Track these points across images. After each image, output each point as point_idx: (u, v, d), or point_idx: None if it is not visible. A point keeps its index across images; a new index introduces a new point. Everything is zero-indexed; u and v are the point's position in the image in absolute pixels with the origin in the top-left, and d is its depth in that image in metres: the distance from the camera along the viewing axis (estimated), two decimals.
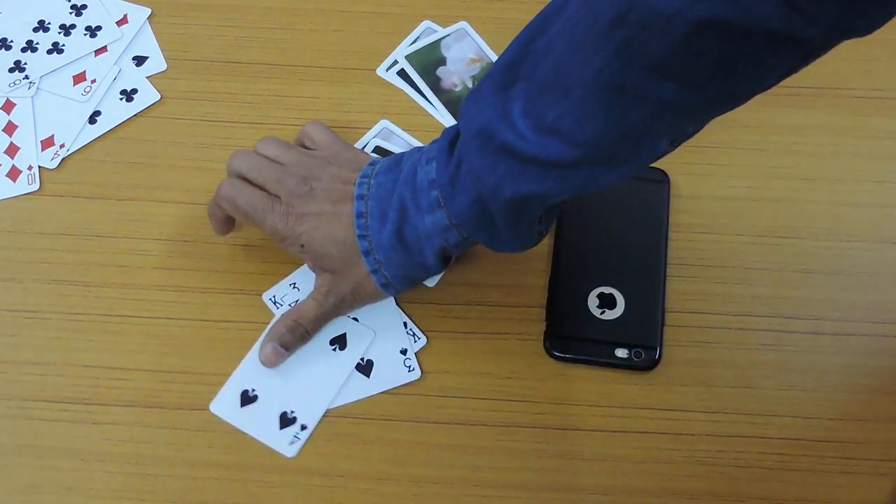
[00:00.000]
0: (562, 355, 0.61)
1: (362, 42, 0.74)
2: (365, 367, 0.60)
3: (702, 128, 0.50)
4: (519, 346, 0.61)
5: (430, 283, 0.63)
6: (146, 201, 0.67)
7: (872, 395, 0.60)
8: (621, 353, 0.60)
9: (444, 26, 0.74)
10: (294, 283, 0.63)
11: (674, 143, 0.50)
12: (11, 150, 0.69)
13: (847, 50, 0.73)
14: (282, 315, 0.61)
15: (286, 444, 0.58)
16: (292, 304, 0.62)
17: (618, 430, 0.59)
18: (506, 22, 0.75)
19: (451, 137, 0.55)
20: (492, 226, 0.54)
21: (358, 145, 0.69)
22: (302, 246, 0.58)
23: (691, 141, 0.69)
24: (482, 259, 0.64)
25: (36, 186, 0.67)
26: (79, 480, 0.58)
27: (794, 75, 0.46)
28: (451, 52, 0.73)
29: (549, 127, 0.48)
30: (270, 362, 0.60)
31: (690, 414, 0.60)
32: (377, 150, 0.68)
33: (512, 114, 0.49)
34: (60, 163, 0.68)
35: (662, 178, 0.67)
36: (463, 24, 0.74)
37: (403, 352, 0.61)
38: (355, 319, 0.61)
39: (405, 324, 0.61)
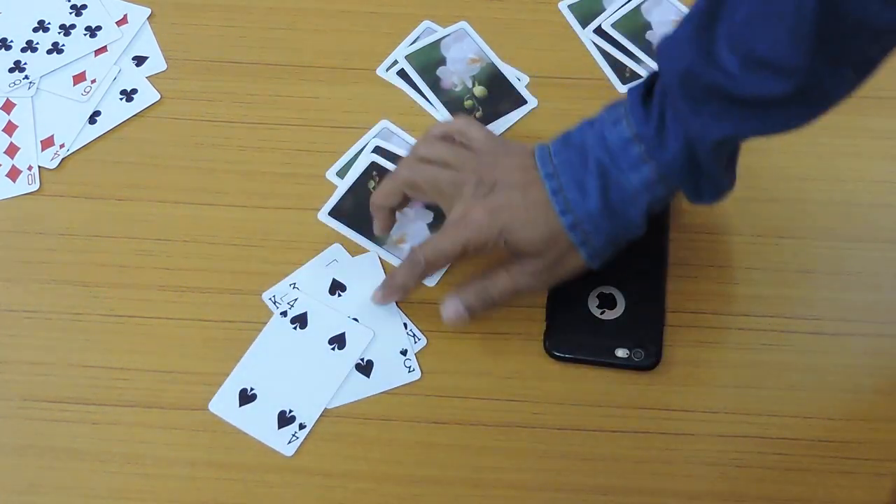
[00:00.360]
0: (562, 355, 0.61)
1: (362, 42, 0.74)
2: (365, 368, 0.60)
3: (881, 60, 0.49)
4: (519, 346, 0.61)
5: (430, 282, 0.63)
6: (146, 201, 0.67)
7: (872, 395, 0.60)
8: (621, 353, 0.60)
9: (444, 26, 0.74)
10: (294, 284, 0.63)
11: (858, 72, 0.50)
12: (11, 150, 0.69)
13: None
14: (469, 282, 0.59)
15: (284, 442, 0.58)
16: (292, 303, 0.62)
17: (618, 430, 0.59)
18: (506, 22, 0.75)
19: (643, 92, 0.54)
20: (698, 172, 0.54)
21: (358, 145, 0.69)
22: (506, 242, 0.57)
23: None
24: (482, 259, 0.64)
25: (36, 186, 0.67)
26: (79, 480, 0.58)
27: None
28: (451, 52, 0.73)
29: (759, 60, 0.48)
30: (452, 321, 0.59)
31: (690, 414, 0.60)
32: (377, 150, 0.68)
33: (718, 53, 0.49)
34: (60, 163, 0.68)
35: None
36: (463, 24, 0.74)
37: (403, 352, 0.60)
38: (355, 319, 0.61)
39: (405, 325, 0.61)
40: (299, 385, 0.60)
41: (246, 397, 0.59)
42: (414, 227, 0.65)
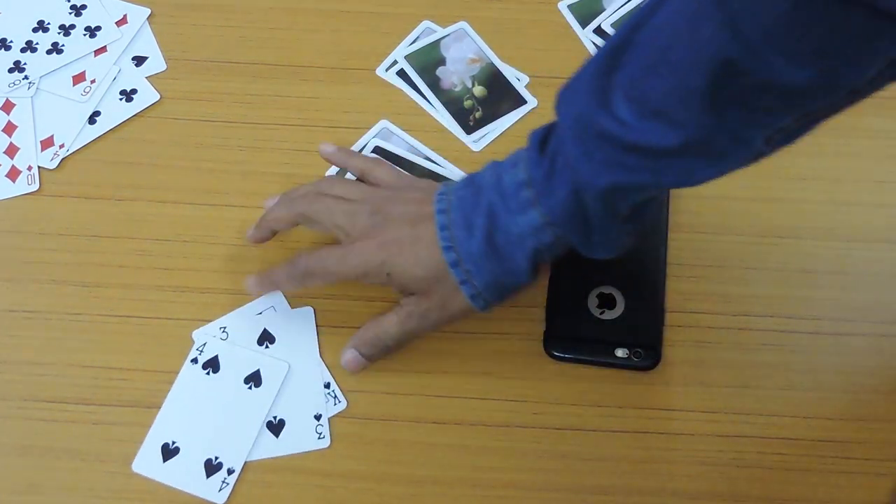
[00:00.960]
0: (562, 355, 0.61)
1: (362, 42, 0.74)
2: (276, 427, 0.59)
3: (795, 134, 0.49)
4: (519, 346, 0.61)
5: None
6: (146, 201, 0.67)
7: (872, 395, 0.60)
8: (621, 353, 0.60)
9: (444, 26, 0.74)
10: (224, 327, 0.62)
11: (769, 143, 0.49)
12: (11, 151, 0.69)
13: None
14: (363, 327, 0.60)
15: (215, 491, 0.57)
16: (201, 349, 0.60)
17: (618, 430, 0.59)
18: (505, 22, 0.75)
19: (541, 137, 0.54)
20: (585, 222, 0.53)
21: (358, 145, 0.69)
22: (388, 275, 0.57)
23: None
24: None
25: (36, 186, 0.67)
26: (79, 480, 0.58)
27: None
28: (451, 53, 0.73)
29: (653, 109, 0.47)
30: (353, 369, 0.60)
31: (690, 414, 0.60)
32: (377, 150, 0.68)
33: (613, 101, 0.49)
34: (60, 163, 0.68)
35: None
36: (462, 24, 0.74)
37: (317, 417, 0.59)
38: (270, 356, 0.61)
39: (328, 384, 0.60)
40: (221, 430, 0.58)
41: (168, 452, 0.58)
42: None
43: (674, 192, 0.66)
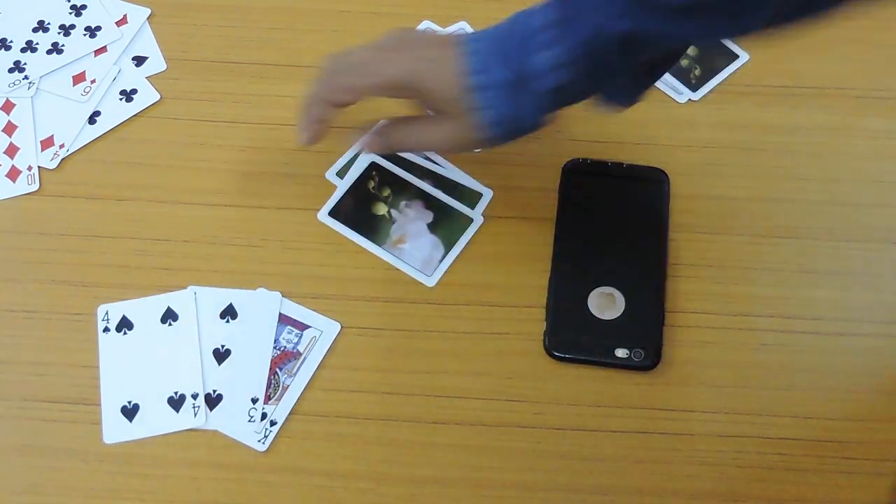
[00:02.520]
0: (562, 355, 0.61)
1: (362, 42, 0.74)
2: (213, 400, 0.60)
3: (788, 19, 0.49)
4: (519, 346, 0.61)
5: (430, 282, 0.63)
6: (146, 201, 0.67)
7: (872, 395, 0.60)
8: (621, 353, 0.60)
9: (444, 26, 0.74)
10: (196, 292, 0.63)
11: (770, 22, 0.49)
12: (11, 151, 0.69)
13: (847, 50, 0.73)
14: (393, 124, 0.62)
15: (191, 418, 0.59)
16: (105, 318, 0.62)
17: (618, 430, 0.59)
18: None
19: None
20: (602, 65, 0.53)
21: (358, 145, 0.68)
22: (417, 88, 0.57)
23: (692, 140, 0.69)
24: (482, 259, 0.64)
25: (36, 187, 0.67)
26: (79, 480, 0.58)
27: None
28: None
29: None
30: (371, 149, 0.63)
31: (690, 414, 0.60)
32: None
33: None
34: (60, 163, 0.68)
35: (662, 178, 0.67)
36: (463, 24, 0.74)
37: (254, 400, 0.60)
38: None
39: (275, 373, 0.60)
40: (166, 371, 0.60)
41: (129, 411, 0.59)
42: (414, 227, 0.65)
43: (674, 192, 0.66)
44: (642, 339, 0.61)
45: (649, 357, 0.60)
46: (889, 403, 0.60)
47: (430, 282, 0.63)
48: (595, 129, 0.69)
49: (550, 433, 0.59)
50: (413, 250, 0.65)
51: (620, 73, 0.54)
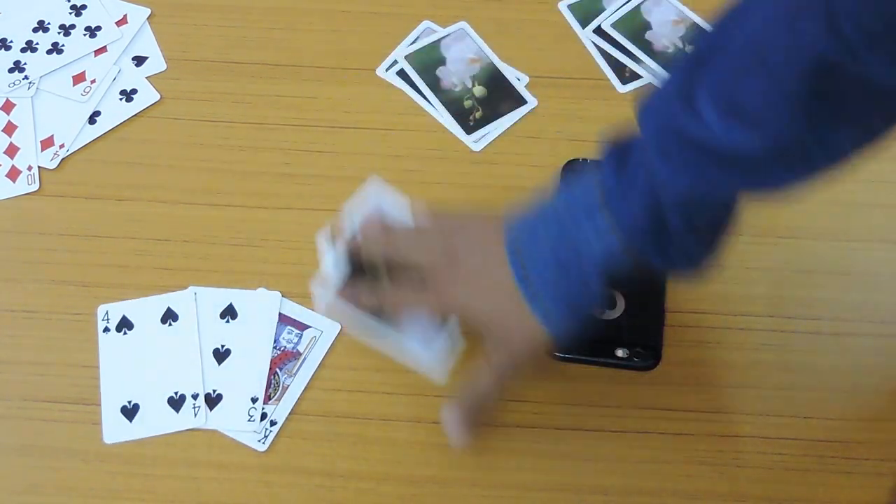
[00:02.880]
0: (562, 355, 0.61)
1: (362, 42, 0.74)
2: (214, 400, 0.60)
3: (879, 133, 0.46)
4: None
5: (441, 380, 0.60)
6: (146, 201, 0.67)
7: (872, 395, 0.60)
8: (621, 353, 0.60)
9: (444, 26, 0.74)
10: (196, 293, 0.63)
11: (853, 140, 0.47)
12: (11, 151, 0.69)
13: None
14: (461, 394, 0.57)
15: (191, 418, 0.59)
16: (106, 318, 0.61)
17: (618, 430, 0.59)
18: (505, 22, 0.74)
19: (618, 151, 0.51)
20: (661, 233, 0.50)
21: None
22: (463, 308, 0.55)
23: None
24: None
25: (36, 187, 0.67)
26: (79, 480, 0.58)
27: None
28: (451, 53, 0.73)
29: (739, 111, 0.45)
30: (460, 439, 0.57)
31: (690, 414, 0.60)
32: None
33: (697, 101, 0.46)
34: (60, 163, 0.68)
35: None
36: (463, 24, 0.74)
37: (254, 400, 0.60)
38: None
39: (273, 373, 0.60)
40: (167, 370, 0.60)
41: (129, 411, 0.59)
42: None
43: None
44: (642, 339, 0.61)
45: (649, 357, 0.60)
46: (889, 403, 0.60)
47: (442, 380, 0.63)
48: (595, 129, 0.69)
49: (550, 433, 0.59)
50: None
51: (681, 235, 0.51)
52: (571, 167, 0.67)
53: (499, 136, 0.69)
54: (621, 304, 0.62)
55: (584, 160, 0.67)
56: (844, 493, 0.57)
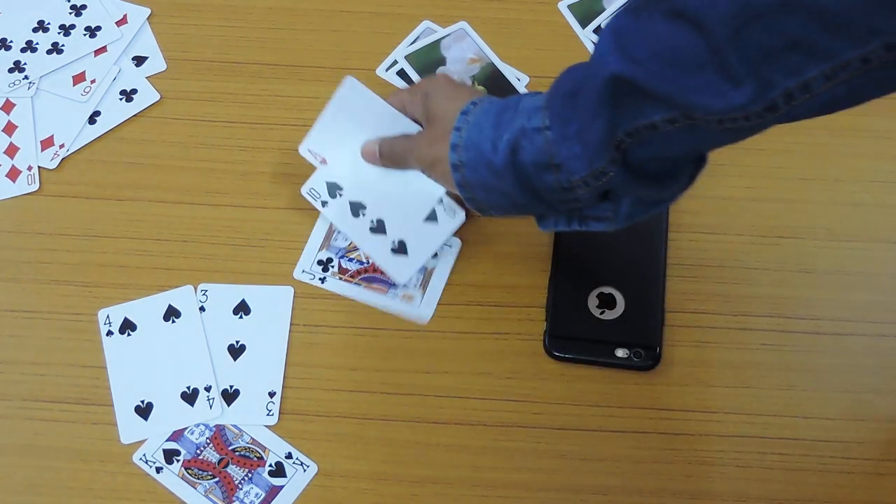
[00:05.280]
0: (562, 355, 0.61)
1: (362, 42, 0.74)
2: (232, 395, 0.60)
3: (820, 99, 0.46)
4: (519, 346, 0.61)
5: (424, 320, 0.62)
6: (146, 201, 0.67)
7: (872, 395, 0.60)
8: (621, 353, 0.60)
9: (444, 26, 0.74)
10: (206, 290, 0.63)
11: (788, 99, 0.46)
12: (11, 151, 0.69)
13: None
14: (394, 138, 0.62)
15: (207, 410, 0.59)
16: (108, 321, 0.62)
17: (618, 430, 0.59)
18: (505, 22, 0.74)
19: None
20: (576, 108, 0.52)
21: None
22: (427, 95, 0.60)
23: None
24: (482, 259, 0.64)
25: (36, 187, 0.67)
26: (79, 480, 0.58)
27: None
28: (451, 53, 0.73)
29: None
30: (367, 158, 0.63)
31: (690, 414, 0.60)
32: None
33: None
34: (60, 163, 0.68)
35: None
36: (463, 24, 0.74)
37: (271, 394, 0.60)
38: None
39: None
40: (177, 367, 0.60)
41: (143, 410, 0.59)
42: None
43: None
44: (642, 339, 0.61)
45: (649, 357, 0.60)
46: (889, 403, 0.60)
47: (425, 319, 0.63)
48: None
49: (550, 433, 0.59)
50: None
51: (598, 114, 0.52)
52: None
53: None
54: (621, 304, 0.62)
55: None
56: (844, 493, 0.57)
